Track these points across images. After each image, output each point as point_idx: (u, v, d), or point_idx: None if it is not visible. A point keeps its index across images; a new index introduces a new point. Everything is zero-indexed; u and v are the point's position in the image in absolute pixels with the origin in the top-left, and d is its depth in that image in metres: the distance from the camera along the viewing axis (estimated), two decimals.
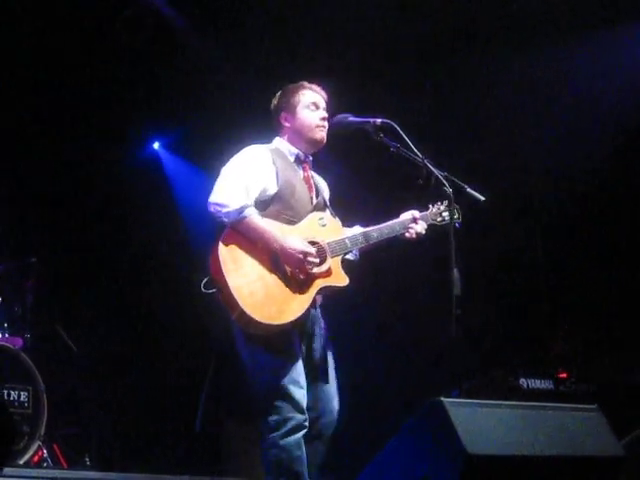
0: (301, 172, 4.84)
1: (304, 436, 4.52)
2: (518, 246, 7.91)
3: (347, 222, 4.95)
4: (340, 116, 4.85)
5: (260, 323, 4.43)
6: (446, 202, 4.96)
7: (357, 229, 4.87)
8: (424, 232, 4.92)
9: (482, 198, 4.89)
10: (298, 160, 4.84)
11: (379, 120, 4.76)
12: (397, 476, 3.97)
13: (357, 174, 7.98)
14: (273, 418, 4.47)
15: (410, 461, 3.93)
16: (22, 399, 6.54)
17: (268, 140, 4.91)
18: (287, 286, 4.51)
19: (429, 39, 7.78)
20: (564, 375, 6.73)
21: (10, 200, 7.77)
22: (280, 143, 4.86)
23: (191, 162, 8.93)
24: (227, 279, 4.42)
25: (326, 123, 4.84)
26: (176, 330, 8.48)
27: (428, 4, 7.54)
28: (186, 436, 7.92)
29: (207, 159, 8.50)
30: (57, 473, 6.25)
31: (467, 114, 7.90)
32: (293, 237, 4.55)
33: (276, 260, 4.52)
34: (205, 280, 4.51)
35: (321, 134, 4.82)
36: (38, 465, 6.51)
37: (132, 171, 8.60)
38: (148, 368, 8.37)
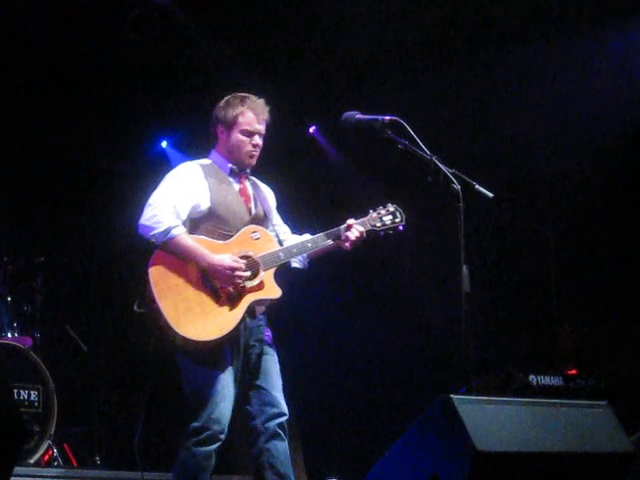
0: (237, 185, 4.90)
1: (260, 442, 4.67)
2: (527, 242, 7.90)
3: (300, 231, 5.01)
4: (348, 113, 4.85)
5: (187, 339, 4.56)
6: (389, 206, 4.96)
7: (305, 237, 4.92)
8: (359, 238, 4.85)
9: (491, 195, 4.88)
10: (233, 173, 4.91)
11: (387, 117, 4.75)
12: (406, 473, 3.98)
13: (365, 172, 8.00)
14: (192, 424, 4.62)
15: (419, 458, 3.93)
16: (32, 398, 6.55)
17: (205, 155, 4.97)
18: (216, 302, 4.63)
19: (435, 36, 7.78)
20: (574, 372, 6.73)
21: (18, 200, 7.79)
22: (215, 157, 4.93)
23: None
24: (157, 297, 4.58)
25: (258, 149, 4.89)
26: None
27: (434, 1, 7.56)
28: None
29: None
30: (67, 472, 6.27)
31: (473, 109, 7.89)
32: (222, 254, 4.64)
33: (206, 277, 4.64)
34: (138, 300, 4.71)
35: (249, 161, 4.89)
36: (48, 464, 6.53)
37: (140, 170, 8.60)
38: (158, 367, 8.37)
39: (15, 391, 6.43)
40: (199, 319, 4.57)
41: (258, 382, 4.75)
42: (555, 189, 7.85)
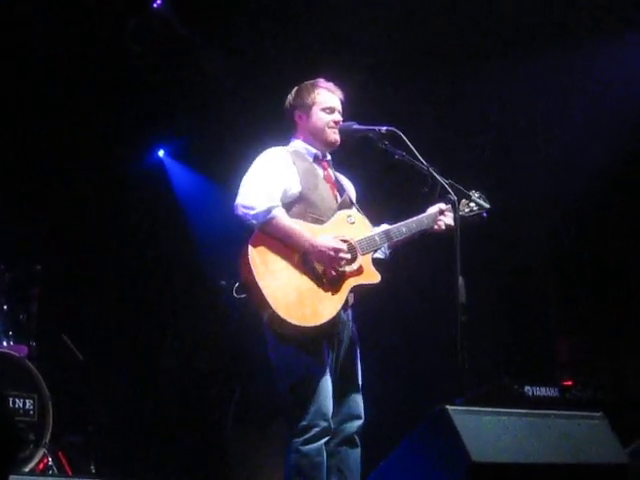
0: (321, 171, 4.85)
1: (332, 443, 4.54)
2: (523, 253, 7.90)
3: (373, 222, 4.91)
4: (345, 124, 4.84)
5: (295, 325, 4.42)
6: (474, 193, 4.95)
7: (385, 227, 4.86)
8: (453, 224, 4.80)
9: (488, 206, 4.90)
10: (317, 159, 4.86)
11: (384, 128, 4.75)
12: None
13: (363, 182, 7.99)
14: (298, 423, 4.45)
15: (415, 469, 3.94)
16: (27, 407, 6.53)
17: (284, 142, 4.91)
18: (319, 286, 4.52)
19: (438, 45, 7.79)
20: (569, 383, 6.73)
21: (15, 207, 7.78)
22: (297, 144, 4.87)
23: (196, 170, 8.94)
24: (258, 282, 4.42)
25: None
26: (182, 338, 8.49)
27: (436, 11, 7.55)
28: (191, 444, 7.92)
29: (212, 167, 8.56)
30: None
31: (476, 118, 7.91)
32: (323, 235, 4.57)
33: (307, 260, 4.53)
34: (236, 285, 4.51)
35: (334, 136, 4.83)
36: (43, 473, 6.50)
37: (137, 178, 8.61)
38: (154, 376, 8.37)
39: (10, 399, 6.40)
40: (303, 304, 4.45)
41: (340, 380, 4.63)
42: (552, 200, 7.86)
